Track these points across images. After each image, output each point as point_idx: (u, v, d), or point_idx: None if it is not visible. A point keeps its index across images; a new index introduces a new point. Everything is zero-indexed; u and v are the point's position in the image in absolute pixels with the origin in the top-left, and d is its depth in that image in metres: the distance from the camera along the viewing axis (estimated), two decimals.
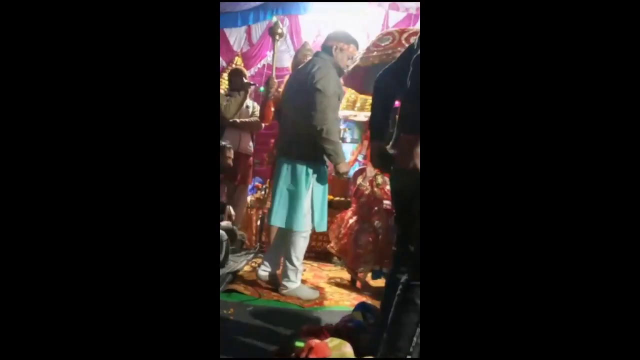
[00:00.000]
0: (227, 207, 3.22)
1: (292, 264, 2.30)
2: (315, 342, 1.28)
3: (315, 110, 2.15)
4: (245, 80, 3.47)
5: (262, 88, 4.80)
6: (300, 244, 2.32)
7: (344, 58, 2.31)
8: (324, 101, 2.15)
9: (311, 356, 1.23)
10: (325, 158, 2.28)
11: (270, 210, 2.38)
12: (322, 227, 2.37)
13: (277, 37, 3.24)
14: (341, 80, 2.38)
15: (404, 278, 1.29)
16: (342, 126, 4.07)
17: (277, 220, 2.30)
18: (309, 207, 2.28)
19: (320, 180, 2.30)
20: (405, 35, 2.63)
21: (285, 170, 2.29)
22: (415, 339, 1.20)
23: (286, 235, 2.37)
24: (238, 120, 3.47)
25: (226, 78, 5.68)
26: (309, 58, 2.55)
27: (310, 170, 2.26)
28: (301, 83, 2.26)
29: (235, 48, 5.83)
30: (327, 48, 2.33)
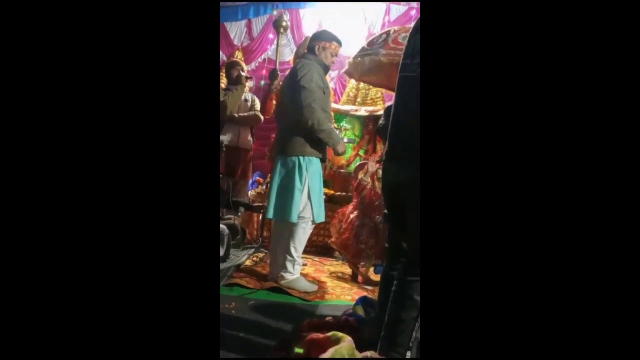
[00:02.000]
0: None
1: (290, 255, 2.35)
2: (316, 336, 1.28)
3: (302, 106, 2.27)
4: (243, 74, 3.45)
5: (262, 82, 4.79)
6: (300, 236, 2.37)
7: (327, 55, 2.46)
8: (308, 96, 2.27)
9: (313, 350, 1.24)
10: (317, 150, 2.38)
11: (267, 204, 2.45)
12: (321, 218, 2.43)
13: (282, 30, 3.23)
14: (327, 76, 2.53)
15: (398, 274, 1.29)
16: (342, 124, 4.07)
17: (273, 213, 2.38)
18: (306, 199, 2.35)
19: (314, 172, 2.38)
20: None
21: (280, 165, 2.42)
22: (414, 334, 1.21)
23: (283, 231, 2.40)
24: (237, 115, 3.45)
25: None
26: None
27: (304, 164, 2.34)
28: (289, 83, 2.42)
29: (235, 42, 5.81)
30: (311, 48, 2.48)
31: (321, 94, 2.34)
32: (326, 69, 2.47)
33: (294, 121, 2.33)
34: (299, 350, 1.26)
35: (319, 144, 2.36)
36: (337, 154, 2.50)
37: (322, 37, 2.49)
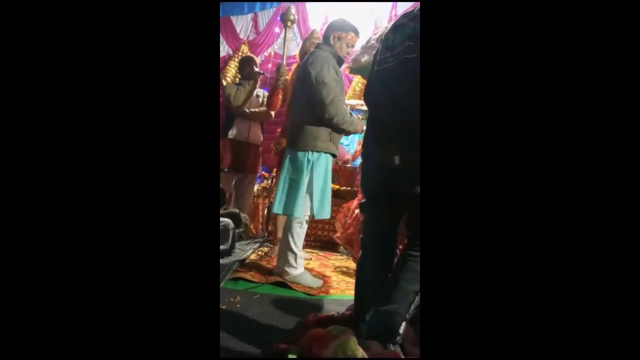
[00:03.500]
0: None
1: (290, 250, 2.35)
2: (316, 331, 1.28)
3: (324, 103, 2.22)
4: (256, 69, 3.45)
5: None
6: (297, 230, 2.36)
7: (342, 46, 2.36)
8: (330, 92, 2.21)
9: (314, 345, 1.24)
10: (330, 145, 2.35)
11: (274, 199, 2.44)
12: (323, 215, 2.38)
13: (289, 23, 3.20)
14: (341, 68, 2.44)
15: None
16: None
17: (280, 208, 2.37)
18: (305, 193, 2.33)
19: (320, 168, 2.33)
20: None
21: (289, 160, 2.38)
22: (412, 307, 1.26)
23: (286, 226, 2.41)
24: (248, 111, 3.46)
25: (232, 66, 5.68)
26: None
27: (312, 159, 2.31)
28: (302, 76, 2.35)
29: (241, 36, 5.81)
30: (326, 38, 2.39)
31: (339, 87, 2.29)
32: (340, 60, 2.37)
33: (305, 115, 2.30)
34: (292, 355, 1.25)
35: (332, 139, 2.33)
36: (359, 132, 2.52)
37: (337, 27, 2.37)
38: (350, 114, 2.35)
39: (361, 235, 1.55)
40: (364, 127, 2.51)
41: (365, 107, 4.28)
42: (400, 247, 1.50)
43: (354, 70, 3.09)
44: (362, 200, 1.51)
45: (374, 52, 2.84)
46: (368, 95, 1.50)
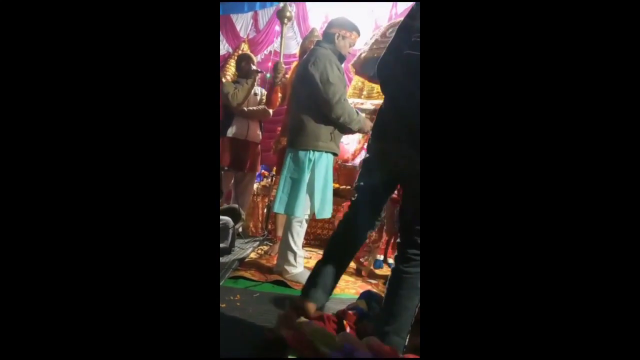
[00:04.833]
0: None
1: (290, 248, 2.35)
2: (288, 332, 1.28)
3: (330, 103, 2.21)
4: (253, 67, 3.45)
5: (268, 75, 4.79)
6: (296, 229, 2.37)
7: (345, 45, 2.34)
8: (337, 92, 2.21)
9: (304, 346, 1.23)
10: (331, 144, 2.34)
11: (274, 197, 2.44)
12: (324, 214, 2.39)
13: (286, 20, 3.20)
14: (342, 65, 2.43)
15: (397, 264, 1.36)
16: None
17: (280, 207, 2.36)
18: (309, 193, 2.32)
19: (321, 167, 2.33)
20: None
21: (290, 159, 2.37)
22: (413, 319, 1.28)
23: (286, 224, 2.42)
24: (246, 109, 3.46)
25: (232, 64, 5.67)
26: None
27: (313, 158, 2.30)
28: (302, 74, 2.33)
29: (241, 34, 5.80)
30: (329, 35, 2.36)
31: (343, 86, 2.28)
32: (341, 57, 2.35)
33: (306, 114, 2.29)
34: (292, 356, 1.26)
35: (333, 138, 2.32)
36: (365, 133, 2.52)
37: (342, 25, 2.34)
38: (357, 112, 2.34)
39: (352, 198, 1.58)
40: (371, 126, 2.51)
41: (365, 106, 4.27)
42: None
43: (359, 69, 3.09)
44: (359, 182, 1.52)
45: (377, 49, 2.83)
46: (386, 71, 1.43)
